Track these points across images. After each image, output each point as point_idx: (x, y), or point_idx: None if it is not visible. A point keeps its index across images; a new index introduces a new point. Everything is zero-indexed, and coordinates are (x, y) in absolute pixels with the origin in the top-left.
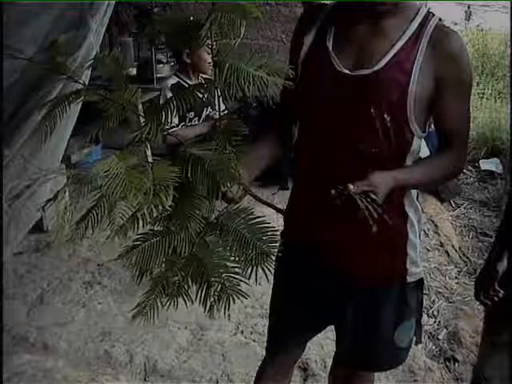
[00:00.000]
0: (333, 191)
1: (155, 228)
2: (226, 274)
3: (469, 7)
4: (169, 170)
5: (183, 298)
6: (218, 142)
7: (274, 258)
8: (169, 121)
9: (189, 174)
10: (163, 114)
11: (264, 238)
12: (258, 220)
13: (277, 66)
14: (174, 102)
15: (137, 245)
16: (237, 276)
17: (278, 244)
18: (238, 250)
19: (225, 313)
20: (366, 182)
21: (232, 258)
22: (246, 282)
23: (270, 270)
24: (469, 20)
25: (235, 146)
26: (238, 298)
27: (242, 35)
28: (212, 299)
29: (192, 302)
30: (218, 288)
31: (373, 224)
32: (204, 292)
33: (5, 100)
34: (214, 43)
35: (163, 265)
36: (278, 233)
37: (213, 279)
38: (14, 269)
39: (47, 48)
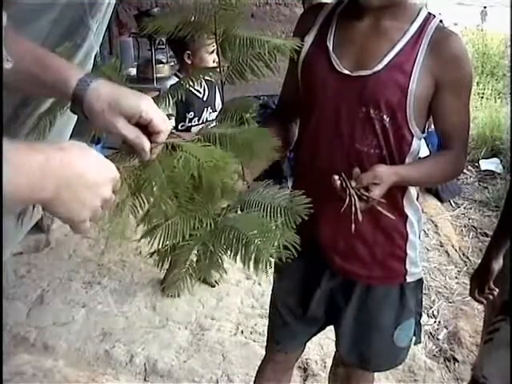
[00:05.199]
0: (336, 176)
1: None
2: (260, 236)
3: (485, 7)
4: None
5: (217, 269)
6: (233, 119)
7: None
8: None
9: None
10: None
11: (291, 201)
12: (278, 190)
13: (282, 40)
14: (169, 96)
15: (160, 223)
16: (270, 237)
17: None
18: (265, 217)
19: (267, 273)
20: (372, 174)
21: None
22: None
23: (296, 242)
24: (484, 20)
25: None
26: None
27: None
28: (253, 259)
29: (226, 273)
30: (258, 244)
31: (356, 219)
32: (244, 252)
33: (5, 102)
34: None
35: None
36: (304, 197)
37: (249, 240)
38: (14, 269)
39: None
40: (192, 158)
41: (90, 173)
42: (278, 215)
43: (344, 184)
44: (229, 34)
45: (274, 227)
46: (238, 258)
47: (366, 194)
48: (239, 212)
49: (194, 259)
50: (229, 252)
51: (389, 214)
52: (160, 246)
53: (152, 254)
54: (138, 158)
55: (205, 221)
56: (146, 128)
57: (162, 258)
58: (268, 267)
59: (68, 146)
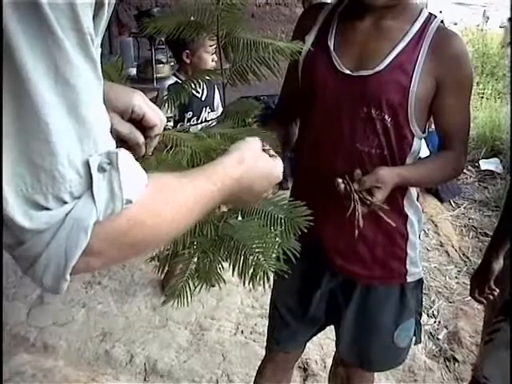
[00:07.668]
0: (340, 180)
1: None
2: (259, 247)
3: (485, 11)
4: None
5: (216, 279)
6: (235, 120)
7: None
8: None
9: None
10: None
11: (291, 212)
12: (280, 197)
13: (286, 42)
14: (169, 97)
15: None
16: (270, 247)
17: (305, 217)
18: (266, 227)
19: (264, 286)
20: (374, 177)
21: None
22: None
23: (296, 249)
24: (486, 22)
25: (253, 123)
26: (273, 272)
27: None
28: (251, 271)
29: (224, 283)
30: (256, 258)
31: (358, 223)
32: (242, 265)
33: None
34: (221, 31)
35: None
36: (304, 208)
37: (248, 251)
38: (13, 269)
39: None
40: (188, 150)
41: (256, 187)
42: (278, 224)
43: (348, 188)
44: (232, 36)
45: (273, 236)
46: (236, 270)
47: (369, 198)
48: (240, 218)
49: (193, 267)
50: (228, 262)
51: (390, 221)
52: (159, 252)
53: (152, 259)
54: (133, 153)
55: (205, 227)
56: (140, 123)
57: (162, 264)
58: (266, 281)
59: (244, 160)
